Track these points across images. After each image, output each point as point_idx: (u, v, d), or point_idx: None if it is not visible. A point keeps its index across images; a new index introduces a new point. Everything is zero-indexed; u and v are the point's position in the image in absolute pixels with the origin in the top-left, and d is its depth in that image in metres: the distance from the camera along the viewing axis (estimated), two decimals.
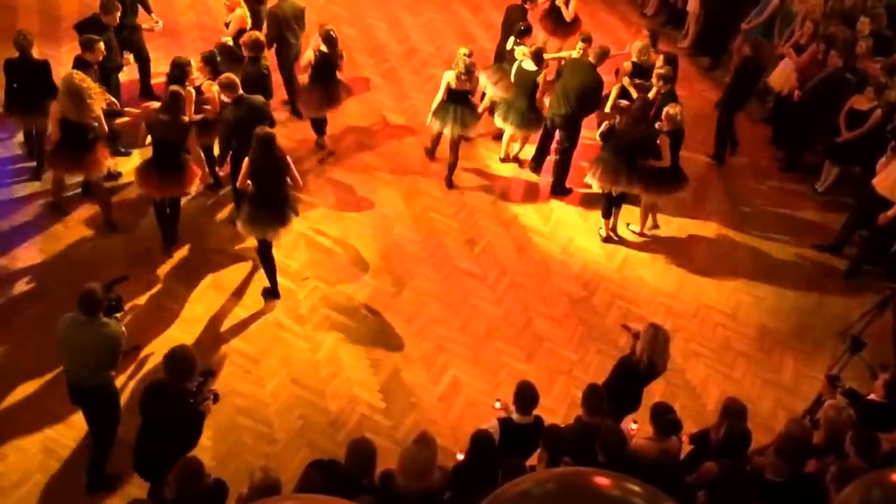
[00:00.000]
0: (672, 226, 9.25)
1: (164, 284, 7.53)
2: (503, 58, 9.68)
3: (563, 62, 9.55)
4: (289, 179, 7.10)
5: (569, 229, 9.01)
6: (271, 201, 7.07)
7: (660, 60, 9.25)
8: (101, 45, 7.63)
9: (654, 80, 8.89)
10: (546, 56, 9.33)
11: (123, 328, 5.70)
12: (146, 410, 5.19)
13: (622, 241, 8.94)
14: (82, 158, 7.44)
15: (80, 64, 7.57)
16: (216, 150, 7.89)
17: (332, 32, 8.71)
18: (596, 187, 8.78)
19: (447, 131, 8.92)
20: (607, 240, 8.93)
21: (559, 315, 8.00)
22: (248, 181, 6.96)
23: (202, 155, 7.91)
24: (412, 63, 11.15)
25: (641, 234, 9.06)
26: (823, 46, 9.87)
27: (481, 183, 9.42)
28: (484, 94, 9.66)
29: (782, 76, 10.45)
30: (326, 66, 8.75)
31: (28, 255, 7.57)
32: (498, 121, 9.42)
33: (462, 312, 7.84)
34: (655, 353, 5.95)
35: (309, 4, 11.79)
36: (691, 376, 7.59)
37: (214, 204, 8.47)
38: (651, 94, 8.83)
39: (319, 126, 9.25)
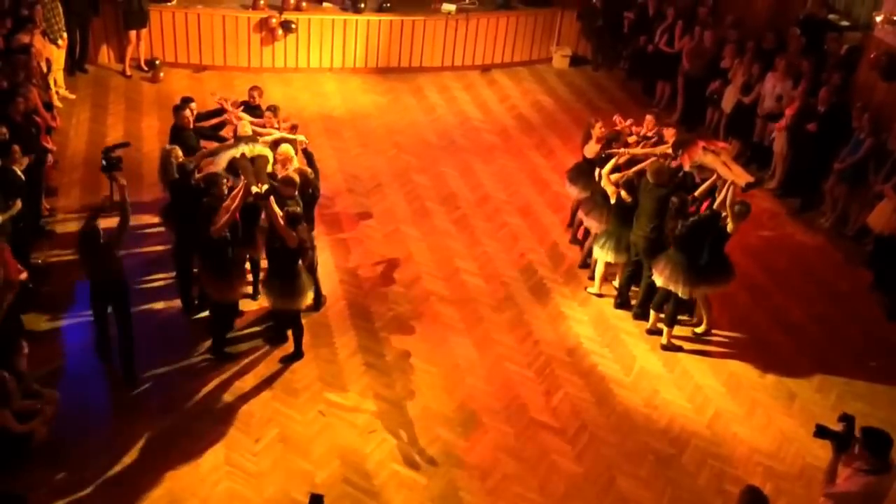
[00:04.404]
0: (768, 380, 9.37)
1: (229, 436, 8.02)
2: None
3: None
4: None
5: (653, 380, 9.21)
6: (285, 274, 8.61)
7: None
8: None
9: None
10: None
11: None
12: None
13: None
14: None
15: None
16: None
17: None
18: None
19: None
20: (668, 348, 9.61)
21: (645, 474, 8.09)
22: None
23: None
24: (484, 210, 11.90)
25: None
26: None
27: (557, 329, 9.81)
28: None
29: (882, 217, 10.65)
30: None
31: None
32: (609, 256, 9.92)
33: (539, 470, 8.03)
34: None
35: (380, 154, 12.94)
36: None
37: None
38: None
39: None
